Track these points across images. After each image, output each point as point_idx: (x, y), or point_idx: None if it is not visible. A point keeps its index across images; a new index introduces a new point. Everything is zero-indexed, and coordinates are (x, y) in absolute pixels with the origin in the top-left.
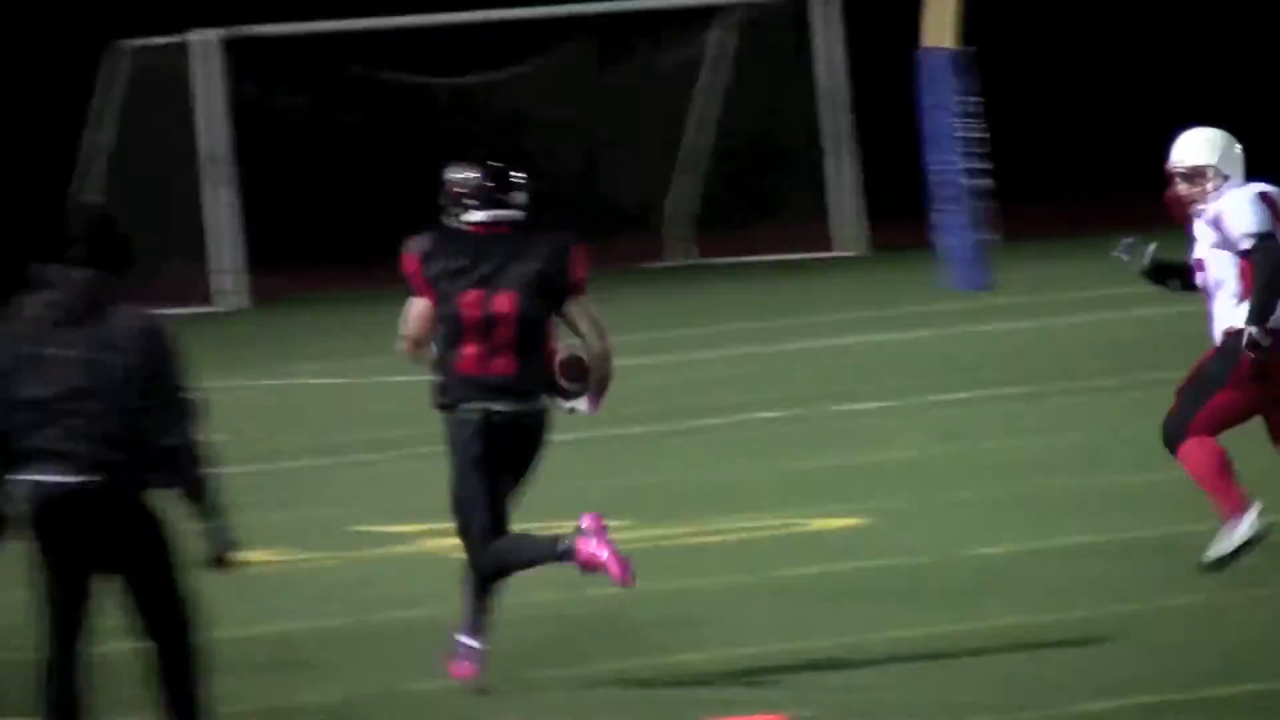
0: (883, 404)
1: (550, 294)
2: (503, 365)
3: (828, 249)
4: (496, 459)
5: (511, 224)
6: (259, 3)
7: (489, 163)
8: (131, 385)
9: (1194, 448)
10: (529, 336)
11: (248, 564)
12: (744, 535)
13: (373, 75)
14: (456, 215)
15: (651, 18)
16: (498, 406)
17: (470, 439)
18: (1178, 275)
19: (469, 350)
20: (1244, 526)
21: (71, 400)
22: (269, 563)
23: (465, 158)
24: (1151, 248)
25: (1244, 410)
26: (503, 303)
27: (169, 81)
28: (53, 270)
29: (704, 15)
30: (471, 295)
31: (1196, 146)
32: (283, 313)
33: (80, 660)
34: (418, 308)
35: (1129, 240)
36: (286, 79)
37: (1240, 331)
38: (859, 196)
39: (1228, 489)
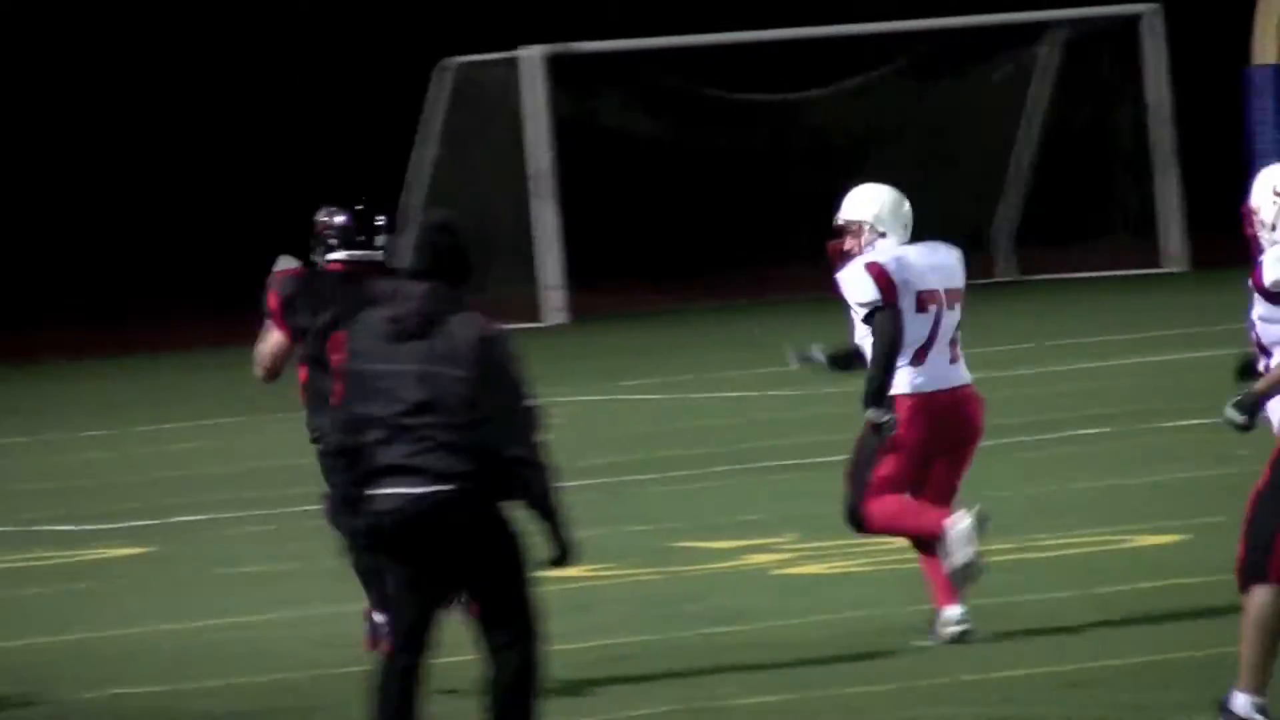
0: (1206, 421)
1: None
2: None
3: (1151, 265)
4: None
5: (371, 265)
6: (584, 19)
7: (356, 206)
8: (471, 396)
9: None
10: None
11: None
12: (1064, 551)
13: (693, 91)
14: (320, 253)
15: (977, 34)
16: None
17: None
18: (851, 357)
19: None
20: None
21: (415, 414)
22: (588, 578)
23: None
24: (816, 349)
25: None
26: None
27: (495, 97)
28: (392, 283)
29: (1031, 32)
30: (339, 339)
31: (857, 202)
32: (602, 328)
33: (421, 672)
34: (275, 343)
35: (796, 353)
36: (609, 95)
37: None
38: (1183, 213)
39: (923, 521)
